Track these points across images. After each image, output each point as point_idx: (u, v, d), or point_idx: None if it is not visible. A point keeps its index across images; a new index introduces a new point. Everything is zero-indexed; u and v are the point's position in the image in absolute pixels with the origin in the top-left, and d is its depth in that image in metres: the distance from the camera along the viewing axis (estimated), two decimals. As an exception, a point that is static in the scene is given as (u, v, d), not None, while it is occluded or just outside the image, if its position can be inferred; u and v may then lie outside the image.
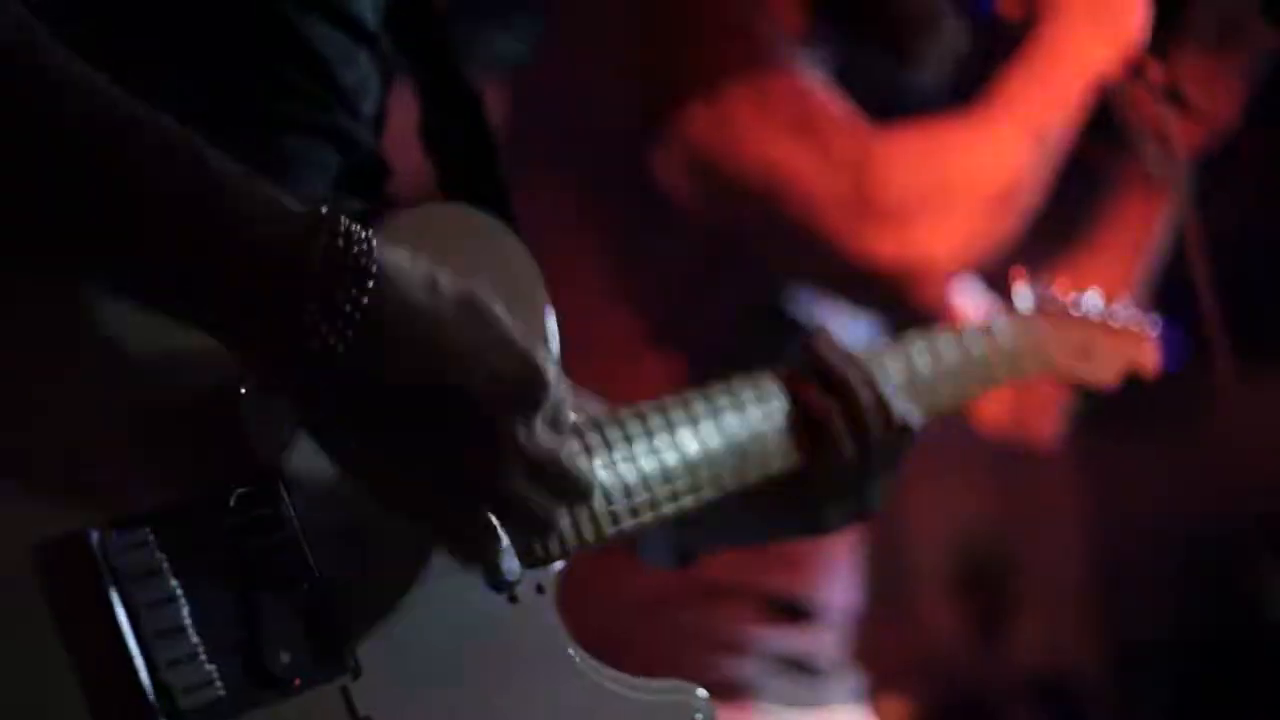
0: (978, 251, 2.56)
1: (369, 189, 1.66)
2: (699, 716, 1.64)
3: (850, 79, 2.74)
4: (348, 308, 1.31)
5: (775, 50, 2.56)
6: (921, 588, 5.25)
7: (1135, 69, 2.62)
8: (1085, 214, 2.84)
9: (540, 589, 1.58)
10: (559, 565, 1.59)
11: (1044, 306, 2.22)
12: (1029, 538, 5.34)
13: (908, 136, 2.56)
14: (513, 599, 1.55)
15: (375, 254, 1.33)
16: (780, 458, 1.82)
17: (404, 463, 1.38)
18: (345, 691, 1.41)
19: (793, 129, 2.51)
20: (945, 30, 2.75)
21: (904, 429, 1.87)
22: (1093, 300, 2.29)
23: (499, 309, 1.40)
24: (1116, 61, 2.62)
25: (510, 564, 1.41)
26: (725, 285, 2.61)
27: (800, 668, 2.64)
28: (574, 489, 1.46)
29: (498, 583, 1.42)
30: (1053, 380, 2.29)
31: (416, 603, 1.47)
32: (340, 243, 1.32)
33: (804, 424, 1.84)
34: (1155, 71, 2.62)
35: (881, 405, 1.85)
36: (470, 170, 1.75)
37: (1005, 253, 2.60)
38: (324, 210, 1.33)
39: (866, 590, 2.79)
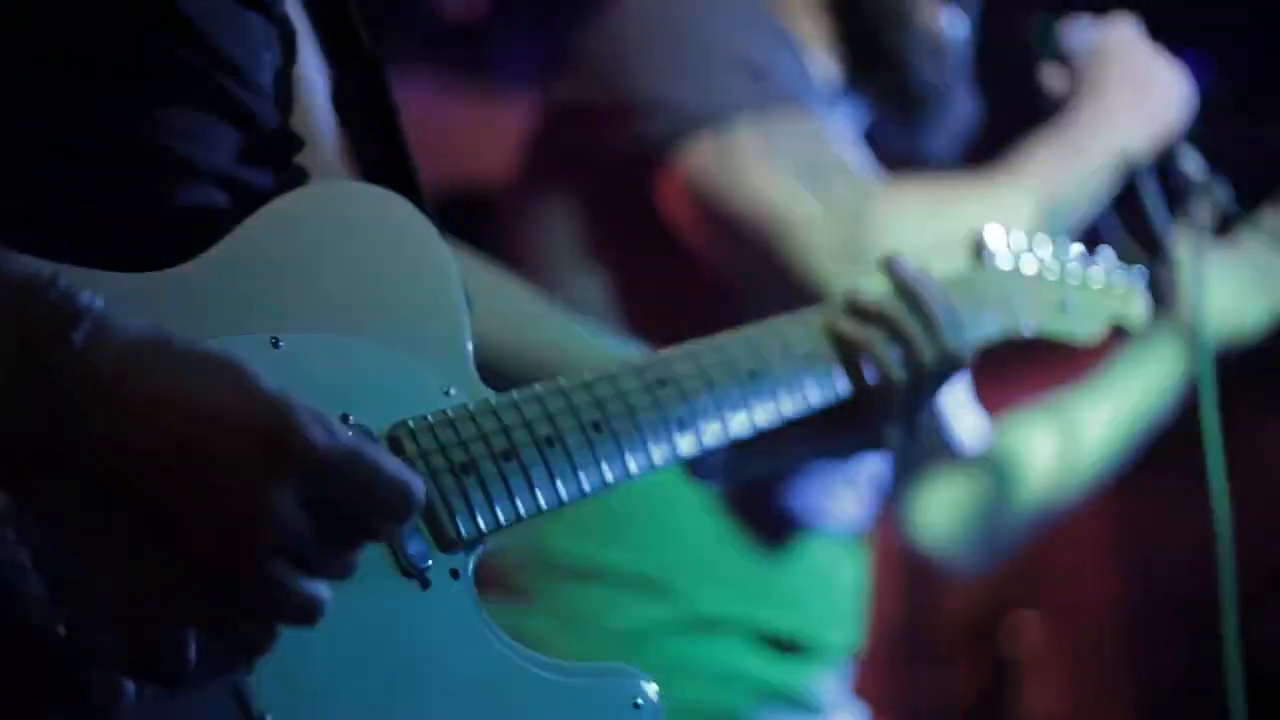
0: None
1: (274, 162, 1.61)
2: (640, 702, 1.58)
3: (882, 132, 2.77)
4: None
5: (792, 93, 2.58)
6: (944, 631, 5.23)
7: (1169, 154, 2.65)
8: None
9: (455, 574, 1.52)
10: (478, 550, 1.55)
11: (1018, 264, 2.19)
12: (1055, 584, 5.33)
13: (909, 192, 2.58)
14: (424, 585, 1.50)
15: (79, 306, 1.25)
16: (819, 389, 1.90)
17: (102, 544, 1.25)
18: (238, 689, 1.36)
19: (796, 170, 2.53)
20: (955, 103, 2.78)
21: (955, 359, 1.96)
22: (1071, 257, 2.26)
23: (246, 366, 1.29)
24: (1148, 142, 2.65)
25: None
26: (726, 314, 2.62)
27: (795, 704, 2.64)
28: (342, 574, 1.32)
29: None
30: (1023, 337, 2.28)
31: None
32: (33, 295, 1.24)
33: (845, 355, 1.93)
34: (1189, 159, 2.64)
35: (934, 333, 1.95)
36: (375, 142, 1.70)
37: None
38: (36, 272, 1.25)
39: (889, 631, 2.79)
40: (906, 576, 5.12)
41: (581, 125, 2.65)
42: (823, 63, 2.73)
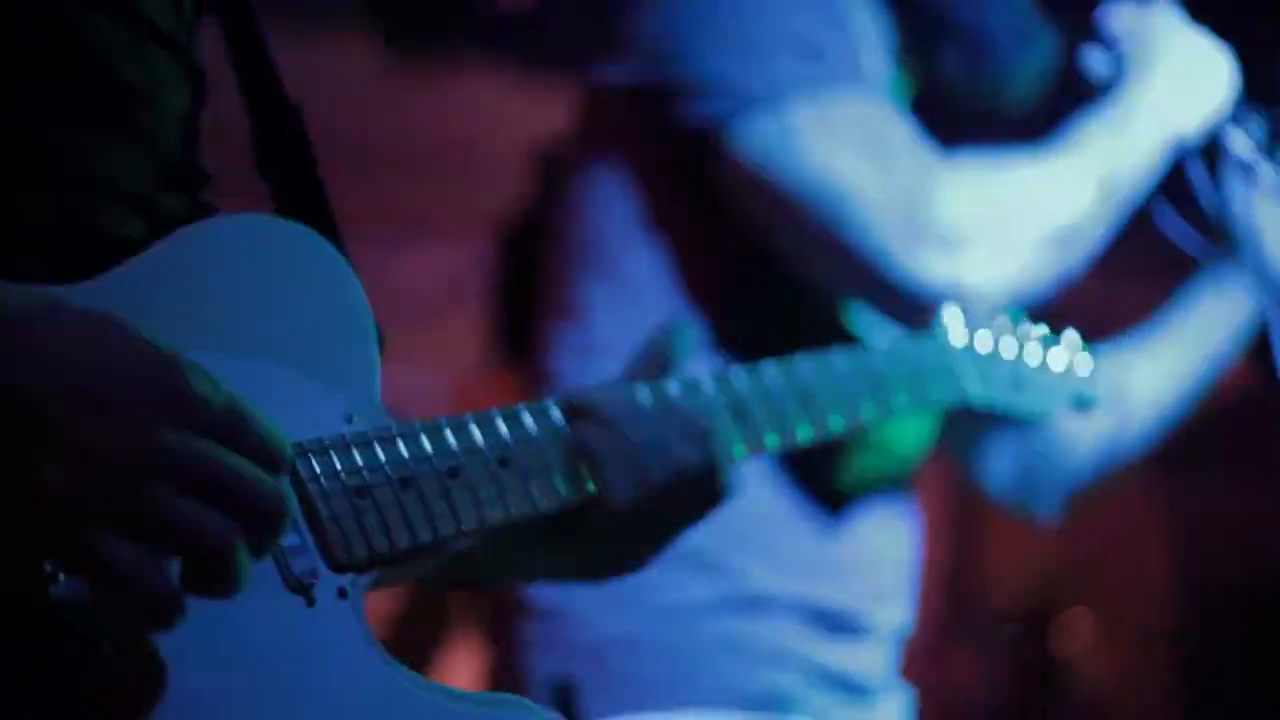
0: (1027, 287, 2.59)
1: (183, 192, 1.61)
2: None
3: (931, 101, 2.78)
4: None
5: (849, 72, 2.60)
6: (993, 617, 5.21)
7: (1217, 137, 2.65)
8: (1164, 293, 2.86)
9: (343, 593, 1.50)
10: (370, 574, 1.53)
11: (973, 340, 2.22)
12: (1109, 574, 5.31)
13: (971, 165, 2.60)
14: (310, 602, 1.48)
15: None
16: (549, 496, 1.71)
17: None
18: None
19: (855, 147, 2.54)
20: (1038, 48, 2.78)
21: (685, 473, 1.76)
22: (1032, 337, 2.29)
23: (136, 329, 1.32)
24: (1197, 124, 2.65)
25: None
26: (778, 291, 2.64)
27: (845, 684, 2.65)
28: (250, 508, 1.32)
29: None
30: (975, 411, 2.28)
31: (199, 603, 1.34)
32: None
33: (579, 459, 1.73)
34: (1239, 142, 2.65)
35: (661, 448, 1.75)
36: (296, 189, 1.68)
37: (1065, 299, 2.64)
38: None
39: (941, 613, 2.78)
40: (956, 561, 5.12)
41: (636, 106, 2.67)
42: (879, 41, 2.74)
